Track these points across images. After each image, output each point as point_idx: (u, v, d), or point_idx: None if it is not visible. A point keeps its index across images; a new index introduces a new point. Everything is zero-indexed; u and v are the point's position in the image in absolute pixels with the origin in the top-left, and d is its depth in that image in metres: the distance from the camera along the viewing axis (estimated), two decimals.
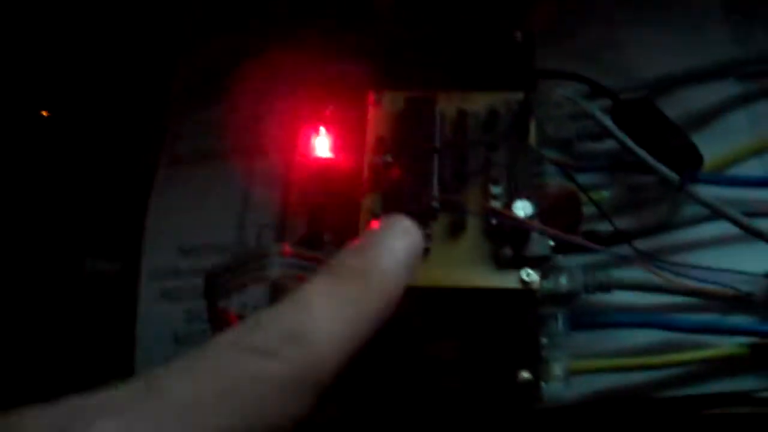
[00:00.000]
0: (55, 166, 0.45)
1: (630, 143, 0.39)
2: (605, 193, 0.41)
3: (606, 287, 0.39)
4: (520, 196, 0.36)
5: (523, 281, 0.36)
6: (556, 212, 0.37)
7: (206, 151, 0.44)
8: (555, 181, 0.38)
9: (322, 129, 0.41)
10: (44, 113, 0.47)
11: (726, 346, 0.39)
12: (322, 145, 0.41)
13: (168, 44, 0.46)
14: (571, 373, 0.37)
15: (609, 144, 0.42)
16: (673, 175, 0.39)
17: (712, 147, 0.42)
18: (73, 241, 0.43)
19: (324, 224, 0.39)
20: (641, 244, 0.40)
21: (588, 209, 0.40)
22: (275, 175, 0.43)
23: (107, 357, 0.40)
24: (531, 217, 0.36)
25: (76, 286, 0.42)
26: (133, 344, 0.40)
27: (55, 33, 0.45)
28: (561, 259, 0.39)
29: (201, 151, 0.44)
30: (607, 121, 0.40)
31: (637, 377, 0.39)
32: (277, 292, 0.39)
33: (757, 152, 0.43)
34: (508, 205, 0.36)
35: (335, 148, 0.41)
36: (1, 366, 0.41)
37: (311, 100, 0.42)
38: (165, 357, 0.39)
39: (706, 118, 0.44)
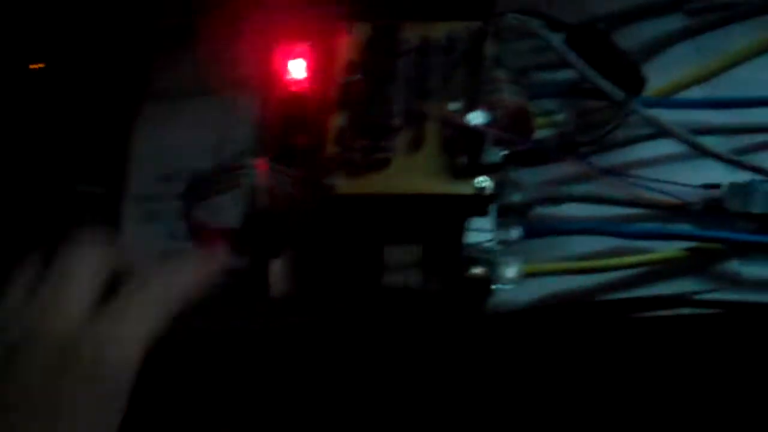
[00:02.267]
0: (53, 106, 0.48)
1: (578, 62, 0.42)
2: (560, 115, 0.45)
3: (557, 200, 0.43)
4: (475, 108, 0.40)
5: (476, 187, 0.39)
6: (510, 125, 0.40)
7: (187, 86, 0.48)
8: (509, 98, 0.41)
9: (297, 54, 0.44)
10: (36, 66, 0.50)
11: (667, 250, 0.42)
12: (297, 67, 0.44)
13: None
14: (523, 276, 0.41)
15: (563, 74, 0.45)
16: (618, 93, 0.42)
17: (661, 76, 0.45)
18: (67, 168, 0.47)
19: (295, 142, 0.42)
20: (590, 160, 0.43)
21: (543, 132, 0.44)
22: (252, 107, 0.46)
23: None
24: (484, 126, 0.39)
25: (69, 206, 0.45)
26: None
27: None
28: (514, 175, 0.42)
29: (182, 86, 0.48)
30: (558, 43, 0.43)
31: (584, 281, 0.42)
32: (253, 202, 0.42)
33: (699, 80, 0.46)
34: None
35: (308, 75, 0.44)
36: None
37: (285, 33, 0.45)
38: None
39: (655, 50, 0.47)
